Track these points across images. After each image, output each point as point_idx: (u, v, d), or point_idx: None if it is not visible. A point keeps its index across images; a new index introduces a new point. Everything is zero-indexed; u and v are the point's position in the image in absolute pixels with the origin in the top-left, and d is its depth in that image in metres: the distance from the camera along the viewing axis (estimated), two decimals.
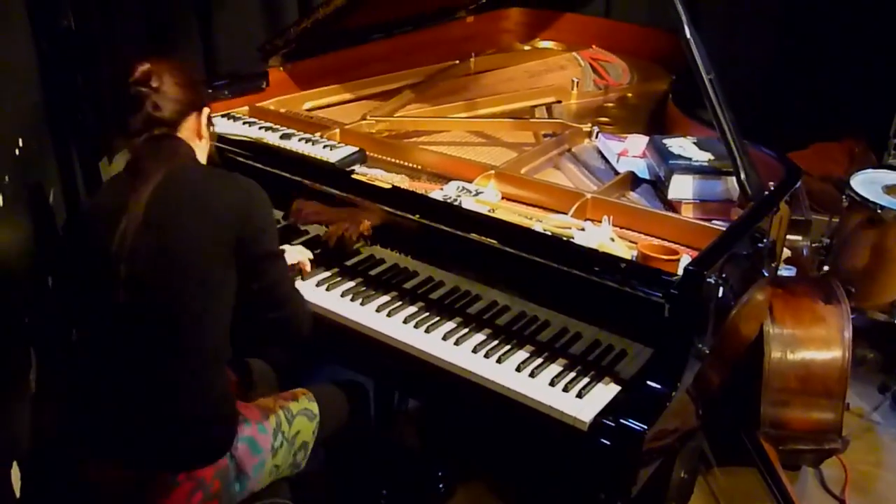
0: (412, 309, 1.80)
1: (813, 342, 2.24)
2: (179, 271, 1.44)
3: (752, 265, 1.84)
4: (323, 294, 1.85)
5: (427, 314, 1.78)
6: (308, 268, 1.89)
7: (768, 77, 4.12)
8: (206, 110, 1.64)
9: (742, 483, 2.41)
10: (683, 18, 1.73)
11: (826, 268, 2.82)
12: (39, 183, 1.85)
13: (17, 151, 1.67)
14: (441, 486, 2.30)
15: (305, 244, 1.94)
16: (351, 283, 1.88)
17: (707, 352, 1.59)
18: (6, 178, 1.54)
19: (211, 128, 1.68)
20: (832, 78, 3.99)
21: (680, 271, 1.59)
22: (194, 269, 1.45)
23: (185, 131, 1.58)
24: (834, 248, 2.81)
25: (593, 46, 3.04)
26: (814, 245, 2.83)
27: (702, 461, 2.40)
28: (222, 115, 2.26)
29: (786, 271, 2.51)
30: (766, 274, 1.96)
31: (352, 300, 1.83)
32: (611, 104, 2.67)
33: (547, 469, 1.72)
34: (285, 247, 1.80)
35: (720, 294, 1.58)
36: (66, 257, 1.83)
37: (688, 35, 1.75)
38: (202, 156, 1.65)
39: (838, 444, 2.27)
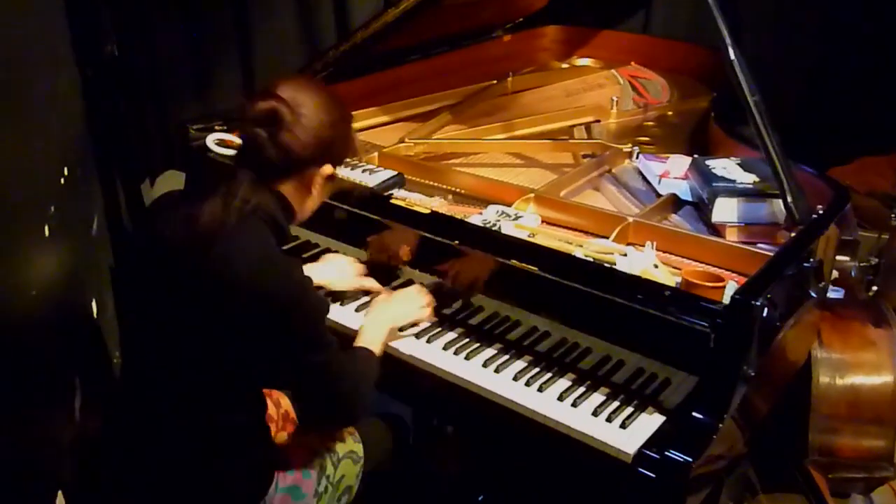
0: (451, 335, 1.79)
1: (862, 367, 2.18)
2: (201, 322, 1.38)
3: (799, 286, 1.79)
4: (360, 320, 1.84)
5: (467, 340, 1.77)
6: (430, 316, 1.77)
7: (811, 86, 4.03)
8: (326, 168, 1.45)
9: None
10: (727, 41, 1.70)
11: (875, 288, 2.75)
12: (83, 213, 1.87)
13: (62, 181, 1.69)
14: None
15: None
16: None
17: (752, 374, 1.55)
18: (52, 208, 1.55)
19: (327, 184, 1.50)
20: (878, 88, 3.89)
21: (726, 299, 1.56)
22: (200, 342, 1.38)
23: (290, 185, 1.44)
24: (883, 268, 2.74)
25: (632, 63, 3.01)
26: (862, 265, 2.76)
27: (747, 488, 2.34)
28: None
29: (833, 293, 2.45)
30: (814, 295, 1.91)
31: None
32: (650, 123, 2.64)
33: (589, 498, 1.69)
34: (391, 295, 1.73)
35: (765, 315, 1.54)
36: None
37: (732, 57, 1.71)
38: (303, 213, 1.50)
39: (890, 472, 2.19)
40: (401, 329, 1.74)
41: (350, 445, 1.70)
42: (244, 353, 1.38)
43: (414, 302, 1.72)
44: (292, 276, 1.39)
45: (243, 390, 1.44)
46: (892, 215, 2.67)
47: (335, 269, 1.86)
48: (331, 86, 2.43)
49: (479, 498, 2.29)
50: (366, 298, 1.91)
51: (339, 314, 1.84)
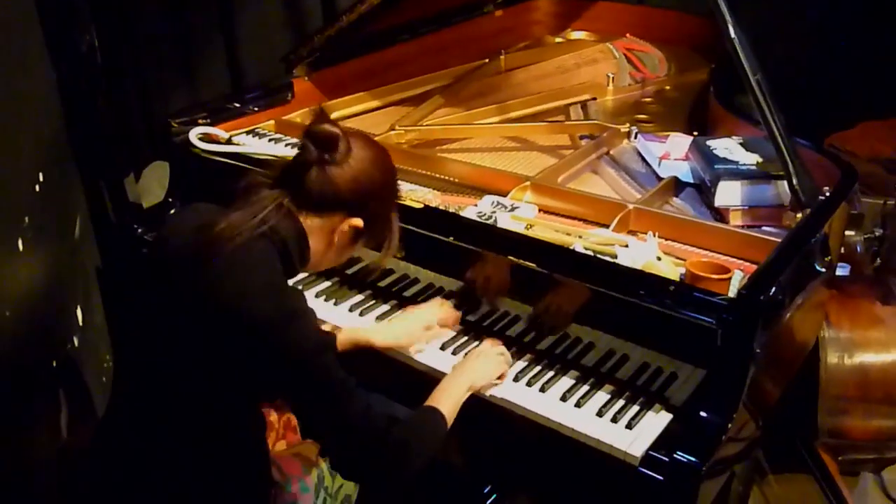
0: (449, 333, 1.73)
1: (871, 345, 2.13)
2: (188, 344, 1.32)
3: (805, 263, 1.73)
4: (357, 320, 1.78)
5: (465, 339, 1.71)
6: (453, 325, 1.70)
7: (810, 51, 3.95)
8: (356, 221, 1.37)
9: (797, 491, 2.31)
10: (728, 19, 1.62)
11: (879, 260, 2.69)
12: (64, 216, 1.80)
13: (37, 188, 1.62)
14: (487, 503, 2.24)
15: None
16: (385, 307, 1.82)
17: (758, 351, 1.49)
18: (26, 219, 1.48)
19: (350, 243, 1.42)
20: (878, 51, 3.81)
21: (731, 290, 1.50)
22: (198, 355, 1.30)
23: (316, 222, 1.37)
24: (888, 239, 2.68)
25: (627, 35, 2.93)
26: (866, 236, 2.70)
27: (756, 470, 2.30)
28: (247, 132, 2.20)
29: (839, 269, 2.39)
30: (820, 269, 1.85)
31: None
32: (648, 99, 2.57)
33: (596, 497, 1.65)
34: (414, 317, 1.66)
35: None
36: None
37: (732, 35, 1.64)
38: (317, 261, 1.41)
39: None
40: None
41: None
42: (235, 372, 1.31)
43: (491, 359, 1.58)
44: (286, 303, 1.29)
45: (238, 408, 1.39)
46: None
47: (405, 331, 1.69)
48: (319, 71, 2.42)
49: (486, 489, 2.26)
50: (360, 297, 1.85)
51: (331, 316, 1.77)
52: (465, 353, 1.65)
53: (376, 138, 2.11)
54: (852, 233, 2.28)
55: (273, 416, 1.72)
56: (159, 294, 1.37)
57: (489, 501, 2.25)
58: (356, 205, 1.37)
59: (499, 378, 1.56)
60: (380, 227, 1.44)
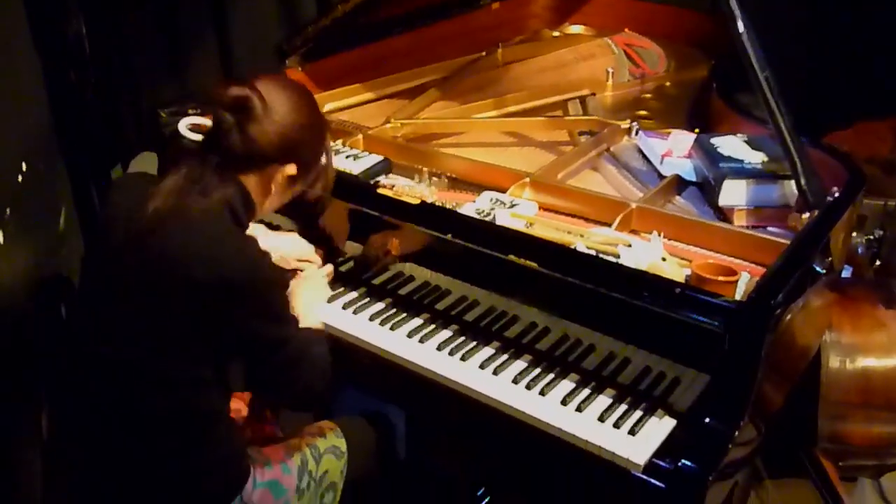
0: (446, 333, 1.68)
1: (873, 350, 2.09)
2: (150, 318, 1.31)
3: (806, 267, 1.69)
4: (350, 318, 1.73)
5: (462, 339, 1.66)
6: (319, 263, 1.75)
7: (804, 48, 3.90)
8: (290, 168, 1.40)
9: (795, 497, 2.28)
10: (736, 13, 1.57)
11: (878, 262, 2.66)
12: (47, 208, 1.74)
13: (19, 178, 1.56)
14: None
15: (328, 262, 1.82)
16: (380, 305, 1.76)
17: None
18: (7, 210, 1.42)
19: (290, 186, 1.45)
20: (874, 49, 3.77)
21: (738, 293, 1.46)
22: (164, 326, 1.30)
23: (252, 178, 1.39)
24: (888, 241, 2.65)
25: (626, 30, 2.88)
26: (866, 238, 2.67)
27: (752, 475, 2.26)
28: None
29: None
30: (819, 270, 1.80)
31: (381, 325, 1.71)
32: (648, 95, 2.52)
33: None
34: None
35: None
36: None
37: (741, 30, 1.59)
38: (262, 211, 1.44)
39: None
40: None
41: (332, 440, 1.63)
42: (202, 334, 1.31)
43: (318, 282, 1.70)
44: (247, 253, 1.33)
45: (204, 376, 1.35)
46: None
47: (290, 240, 1.77)
48: (312, 63, 2.36)
49: (479, 492, 2.21)
50: (354, 294, 1.80)
51: (353, 325, 1.71)
52: (463, 354, 1.60)
53: (370, 132, 2.10)
54: (854, 234, 2.25)
55: (245, 411, 1.70)
56: (116, 271, 1.33)
57: None
58: (285, 154, 1.38)
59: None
60: (313, 166, 1.47)
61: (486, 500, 2.21)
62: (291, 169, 1.40)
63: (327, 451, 1.60)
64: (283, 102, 1.36)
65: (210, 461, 1.39)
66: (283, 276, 1.42)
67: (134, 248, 1.30)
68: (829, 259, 1.92)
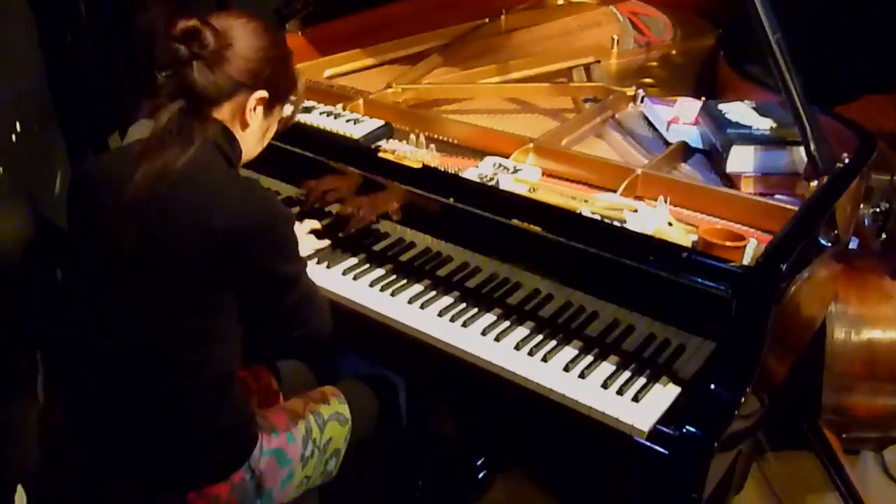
0: (448, 300, 1.66)
1: (879, 322, 2.07)
2: (161, 280, 1.27)
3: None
4: (350, 284, 1.70)
5: (464, 305, 1.64)
6: None
7: (808, 22, 3.85)
8: (260, 93, 1.35)
9: (797, 469, 2.27)
10: None
11: (884, 235, 2.63)
12: (42, 170, 1.70)
13: (13, 138, 1.53)
14: (480, 475, 2.18)
15: (329, 227, 1.79)
16: (380, 272, 1.74)
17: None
18: (0, 169, 1.39)
19: (269, 117, 1.41)
20: (879, 23, 3.71)
21: (746, 259, 1.43)
22: (178, 284, 1.27)
23: (226, 112, 1.34)
24: (894, 214, 2.62)
25: None
26: (872, 210, 2.64)
27: (754, 447, 2.25)
28: None
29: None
30: (825, 244, 1.78)
31: (381, 290, 1.68)
32: (654, 63, 2.47)
33: (597, 471, 1.59)
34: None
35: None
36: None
37: None
38: (246, 149, 1.40)
39: None
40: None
41: (335, 407, 1.61)
42: (216, 289, 1.28)
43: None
44: (257, 192, 1.32)
45: (214, 336, 1.33)
46: None
47: None
48: (312, 27, 2.32)
49: (479, 462, 2.20)
50: (354, 260, 1.78)
51: (353, 291, 1.69)
52: (465, 320, 1.58)
53: (371, 97, 2.06)
54: (860, 206, 2.22)
55: (252, 384, 1.68)
56: (115, 233, 1.28)
57: (481, 475, 2.19)
58: (252, 79, 1.33)
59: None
60: (284, 87, 1.42)
61: (484, 472, 2.20)
62: (263, 94, 1.36)
63: (331, 417, 1.58)
64: (240, 28, 1.31)
65: (220, 428, 1.37)
66: (291, 212, 1.37)
67: (134, 218, 1.25)
68: (836, 232, 1.90)
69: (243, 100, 1.34)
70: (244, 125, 1.38)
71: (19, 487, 1.24)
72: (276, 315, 1.39)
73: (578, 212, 1.55)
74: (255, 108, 1.36)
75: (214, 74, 1.28)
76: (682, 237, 1.48)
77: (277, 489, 1.46)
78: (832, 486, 2.16)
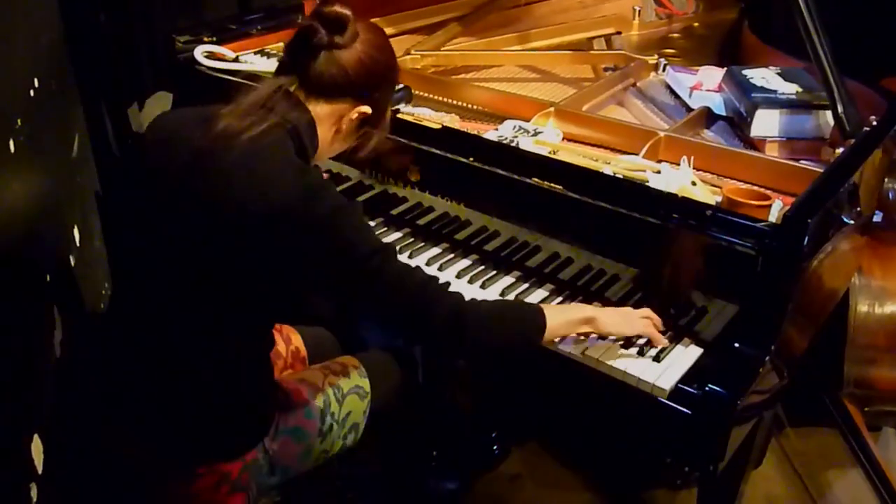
0: (466, 262, 1.64)
1: None
2: (210, 231, 1.23)
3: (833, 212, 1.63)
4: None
5: (482, 267, 1.62)
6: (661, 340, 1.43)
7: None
8: (364, 108, 1.31)
9: (816, 444, 2.24)
10: None
11: None
12: (60, 129, 1.70)
13: (31, 92, 1.52)
14: (495, 447, 2.17)
15: (347, 192, 1.77)
16: (398, 234, 1.73)
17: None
18: (18, 121, 1.38)
19: (357, 130, 1.36)
20: None
21: (771, 218, 1.40)
22: (222, 245, 1.22)
23: (323, 109, 1.30)
24: None
25: None
26: None
27: (773, 423, 2.22)
28: (255, 52, 2.09)
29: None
30: (848, 221, 1.75)
31: (399, 253, 1.67)
32: (676, 35, 2.45)
33: (617, 436, 1.57)
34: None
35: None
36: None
37: None
38: (323, 148, 1.34)
39: None
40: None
41: (356, 380, 1.57)
42: (266, 266, 1.23)
43: (631, 316, 1.44)
44: (313, 184, 1.23)
45: (255, 317, 1.31)
46: None
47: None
48: None
49: (493, 434, 2.18)
50: (397, 234, 1.75)
51: None
52: (483, 282, 1.56)
53: None
54: (885, 179, 2.17)
55: (281, 346, 1.65)
56: (165, 203, 1.27)
57: (496, 447, 2.18)
58: (364, 90, 1.31)
59: (635, 341, 1.42)
60: (381, 115, 1.38)
61: (498, 444, 2.18)
62: (367, 109, 1.32)
63: (350, 391, 1.54)
64: (372, 37, 1.29)
65: (240, 403, 1.34)
66: (346, 203, 1.25)
67: (202, 175, 1.23)
68: (858, 209, 1.87)
69: (347, 107, 1.31)
70: (336, 131, 1.34)
71: (35, 436, 1.24)
72: (398, 305, 1.29)
73: (600, 171, 1.53)
74: (353, 118, 1.32)
75: (337, 69, 1.26)
76: (707, 196, 1.45)
77: (293, 464, 1.44)
78: (852, 462, 2.13)
